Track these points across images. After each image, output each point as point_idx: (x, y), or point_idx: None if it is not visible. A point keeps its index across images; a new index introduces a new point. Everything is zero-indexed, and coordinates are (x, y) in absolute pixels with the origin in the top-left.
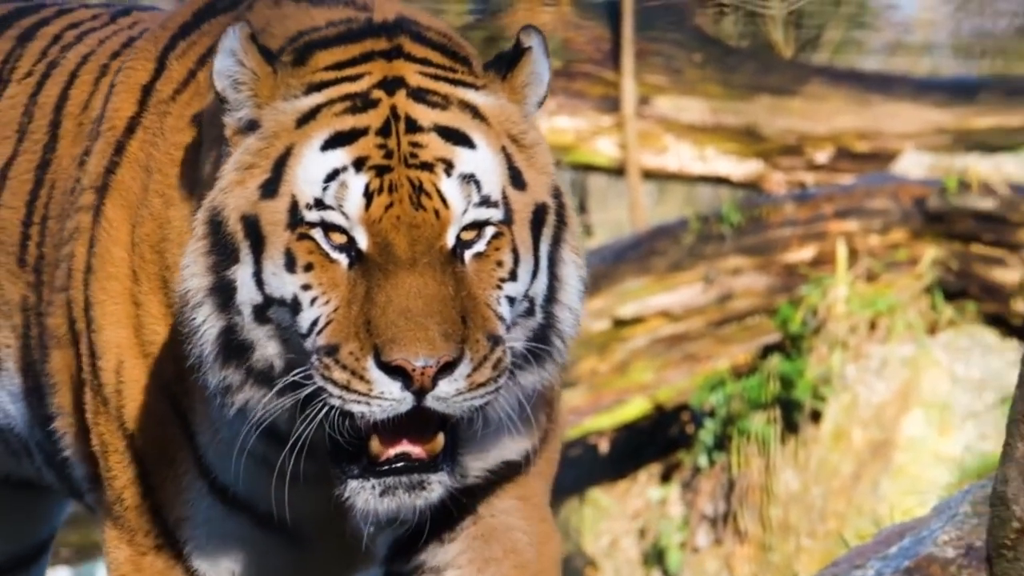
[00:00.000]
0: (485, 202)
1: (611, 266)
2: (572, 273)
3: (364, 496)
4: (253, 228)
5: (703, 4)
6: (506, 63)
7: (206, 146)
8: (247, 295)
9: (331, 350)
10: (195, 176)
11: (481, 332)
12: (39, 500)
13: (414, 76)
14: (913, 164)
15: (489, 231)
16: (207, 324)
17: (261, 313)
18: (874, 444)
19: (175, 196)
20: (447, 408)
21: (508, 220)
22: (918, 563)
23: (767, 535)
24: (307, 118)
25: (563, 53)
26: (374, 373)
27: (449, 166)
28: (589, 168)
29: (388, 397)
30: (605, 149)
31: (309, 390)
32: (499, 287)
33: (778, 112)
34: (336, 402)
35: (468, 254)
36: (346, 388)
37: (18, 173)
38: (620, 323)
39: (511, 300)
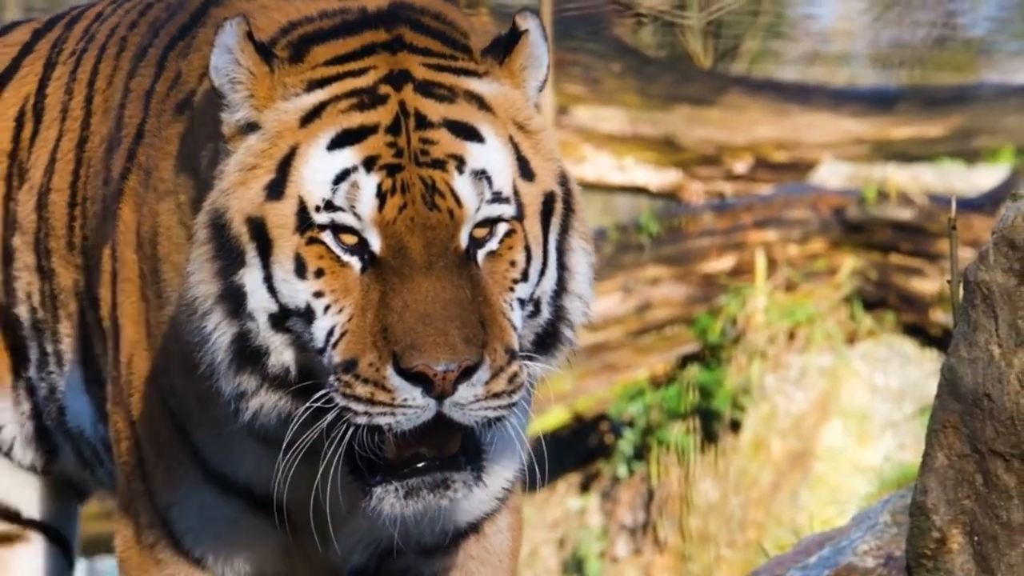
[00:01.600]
0: (497, 198)
1: None
2: (582, 260)
3: (389, 501)
4: (259, 231)
5: (621, 14)
6: (503, 47)
7: (200, 140)
8: (260, 302)
9: (349, 365)
10: (182, 166)
11: (499, 342)
12: None
13: (419, 68)
14: (831, 174)
15: (501, 228)
16: (219, 332)
17: (279, 323)
18: (793, 454)
19: (162, 188)
20: (463, 416)
21: (520, 215)
22: (838, 572)
23: (686, 545)
24: (311, 116)
25: None
26: (395, 380)
27: (461, 163)
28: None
29: (412, 405)
30: None
31: (332, 415)
32: (511, 289)
33: (696, 122)
34: (362, 420)
35: (481, 254)
36: (370, 401)
37: (63, 154)
38: None
39: (522, 303)
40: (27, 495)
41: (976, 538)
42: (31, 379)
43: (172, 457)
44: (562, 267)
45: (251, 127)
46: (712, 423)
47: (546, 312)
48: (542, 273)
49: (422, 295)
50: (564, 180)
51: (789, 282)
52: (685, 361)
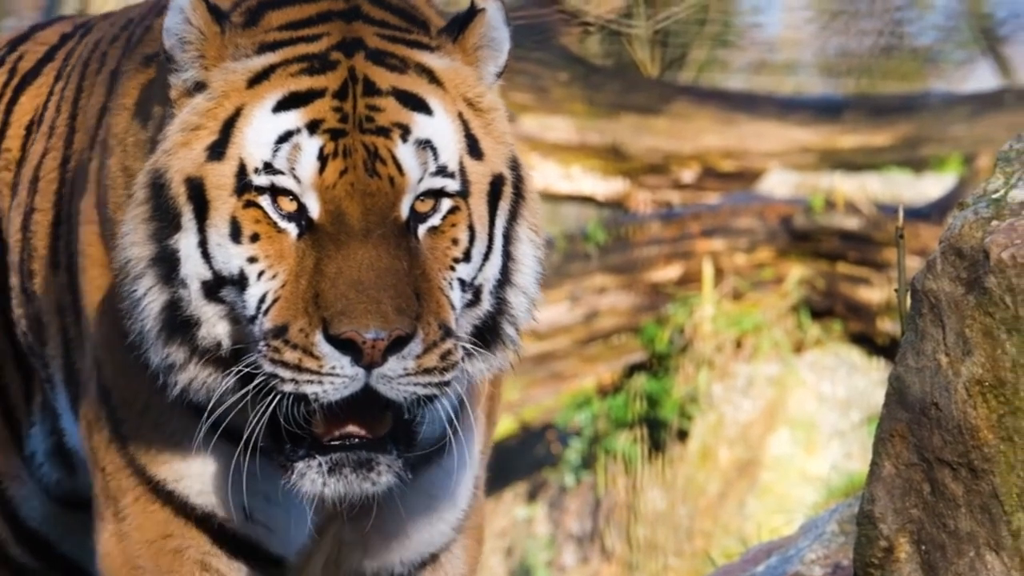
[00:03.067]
0: (442, 171)
1: None
2: (528, 253)
3: (311, 476)
4: (197, 192)
5: (568, 23)
6: (458, 25)
7: (156, 93)
8: (193, 268)
9: (279, 331)
10: (135, 113)
11: (433, 317)
12: None
13: (372, 38)
14: (778, 183)
15: (445, 204)
16: (149, 297)
17: (212, 291)
18: (740, 463)
19: (113, 143)
20: (391, 390)
21: (465, 192)
22: None
23: (634, 554)
24: (259, 78)
25: None
26: (324, 348)
27: (406, 131)
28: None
29: (340, 373)
30: None
31: (258, 380)
32: (452, 268)
33: (643, 131)
34: (289, 387)
35: (422, 228)
36: (297, 368)
37: (46, 172)
38: None
39: (462, 284)
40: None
41: (924, 547)
42: (46, 401)
43: (158, 412)
44: (507, 256)
45: (198, 87)
46: (659, 432)
47: (487, 303)
48: (486, 257)
49: (356, 262)
50: (515, 165)
51: (736, 291)
52: (632, 370)
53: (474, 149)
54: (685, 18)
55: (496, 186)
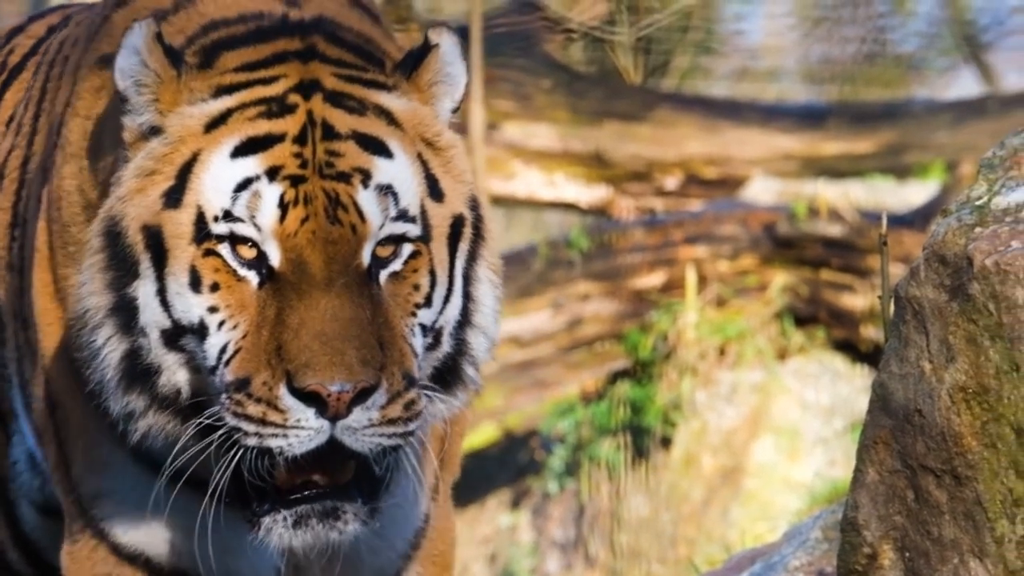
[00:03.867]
0: (403, 216)
1: None
2: (488, 293)
3: (277, 531)
4: (155, 240)
5: (551, 30)
6: (412, 62)
7: (106, 136)
8: (152, 317)
9: (242, 384)
10: (91, 130)
11: (397, 366)
12: None
13: (330, 79)
14: (762, 190)
15: (406, 249)
16: (108, 347)
17: (172, 340)
18: (724, 470)
19: (69, 150)
20: (356, 441)
21: (426, 237)
22: None
23: (617, 561)
24: (216, 123)
25: None
26: (288, 400)
27: (366, 176)
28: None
29: (304, 426)
30: None
31: (221, 432)
32: (414, 314)
33: (626, 138)
34: (252, 441)
35: (384, 274)
36: (262, 422)
37: (9, 171)
38: None
39: (424, 329)
40: None
41: (907, 554)
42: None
43: (92, 438)
44: (467, 297)
45: (154, 131)
46: (643, 439)
47: (447, 345)
48: (446, 300)
49: (320, 313)
50: (475, 204)
51: (720, 298)
52: (616, 377)
53: (434, 191)
54: (668, 25)
55: (456, 227)
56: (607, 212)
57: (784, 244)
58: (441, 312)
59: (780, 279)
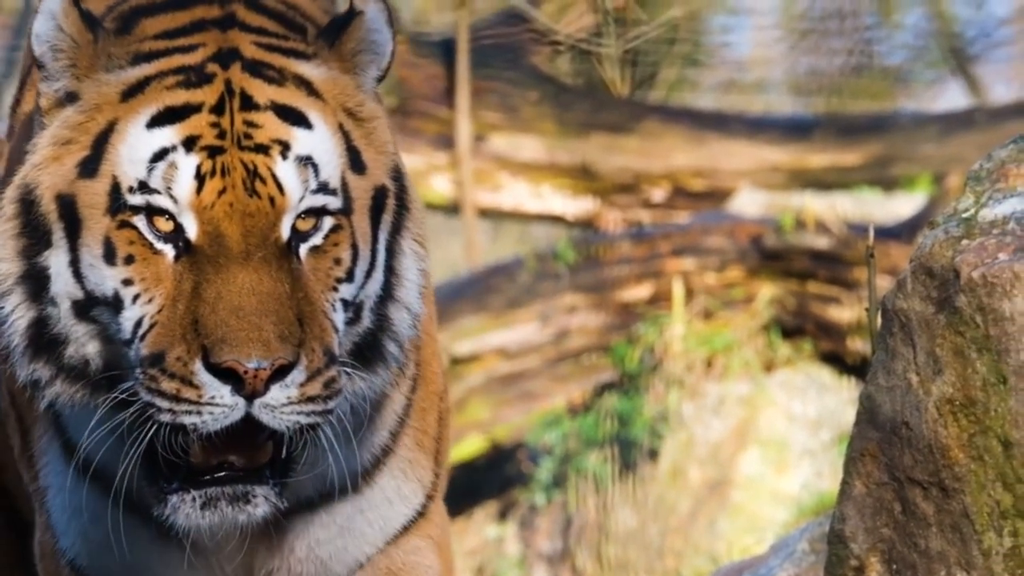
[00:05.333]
0: (323, 188)
1: (447, 304)
2: (411, 267)
3: (184, 511)
4: (69, 209)
5: (538, 42)
6: (335, 29)
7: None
8: (64, 287)
9: (156, 359)
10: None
11: (317, 343)
12: None
13: (249, 47)
14: (749, 202)
15: (327, 223)
16: (16, 314)
17: (83, 311)
18: (711, 482)
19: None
20: (274, 419)
21: (347, 210)
22: None
23: (604, 573)
24: (133, 91)
25: (398, 91)
26: (203, 376)
27: (286, 148)
28: (424, 206)
29: (219, 403)
30: (440, 187)
31: (135, 408)
32: (335, 288)
33: (613, 150)
34: (166, 417)
35: (304, 248)
36: (175, 398)
37: None
38: (456, 361)
39: (345, 304)
40: None
41: (894, 566)
42: None
43: (40, 433)
44: (390, 271)
45: (70, 98)
46: (630, 451)
47: (367, 320)
48: (368, 275)
49: (237, 287)
50: (398, 175)
51: (707, 310)
52: (603, 389)
53: (356, 163)
54: (655, 38)
55: (379, 199)
56: (594, 224)
57: (771, 256)
58: (362, 287)
59: (767, 291)
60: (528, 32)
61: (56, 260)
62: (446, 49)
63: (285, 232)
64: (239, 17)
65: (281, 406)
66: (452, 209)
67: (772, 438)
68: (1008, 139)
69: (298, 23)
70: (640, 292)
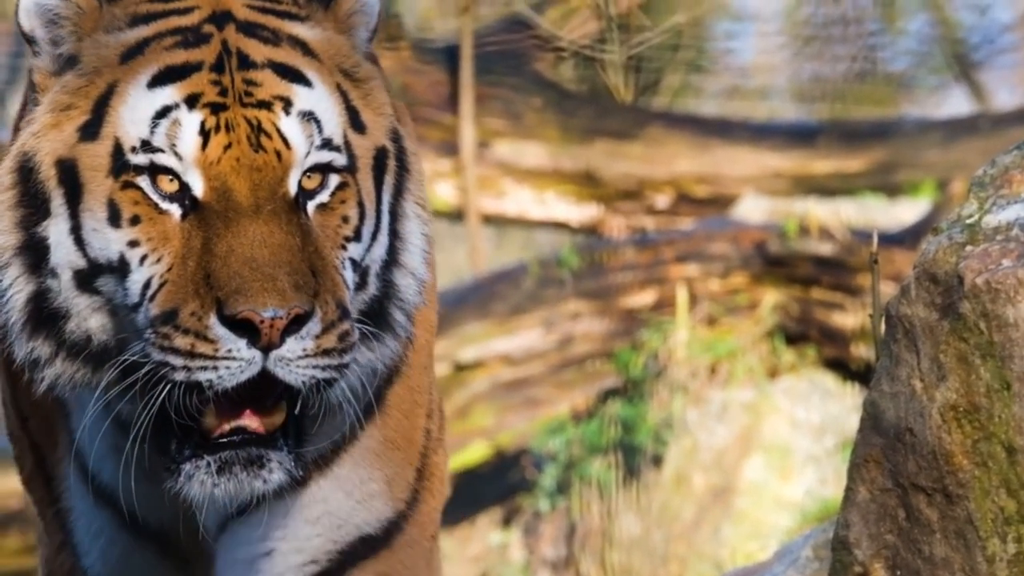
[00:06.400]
0: (327, 144)
1: (451, 311)
2: (415, 230)
3: (199, 478)
4: (70, 174)
5: (542, 49)
6: None
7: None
8: (64, 256)
9: (168, 316)
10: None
11: (330, 295)
12: None
13: (241, 10)
14: (752, 209)
15: (333, 180)
16: (14, 288)
17: (86, 281)
18: (715, 489)
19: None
20: (290, 373)
21: (352, 167)
22: None
23: None
24: (133, 53)
25: (402, 97)
26: (218, 330)
27: (288, 104)
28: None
29: (236, 356)
30: (444, 194)
31: (147, 370)
32: (343, 247)
33: (617, 157)
34: (180, 375)
35: (311, 205)
36: (190, 354)
37: None
38: (460, 367)
39: (353, 264)
40: None
41: (898, 572)
42: None
43: (61, 456)
44: (394, 235)
45: (70, 62)
46: (634, 458)
47: (373, 286)
48: (374, 237)
49: (248, 239)
50: (396, 137)
51: (710, 317)
52: (607, 396)
53: (356, 122)
54: (659, 44)
55: (380, 160)
56: (598, 231)
57: (775, 263)
58: (368, 248)
59: (771, 298)
60: (532, 38)
61: (56, 229)
62: (450, 56)
63: (292, 188)
64: None
65: (297, 359)
66: (456, 216)
67: (776, 444)
68: (1012, 145)
69: None
70: (644, 298)
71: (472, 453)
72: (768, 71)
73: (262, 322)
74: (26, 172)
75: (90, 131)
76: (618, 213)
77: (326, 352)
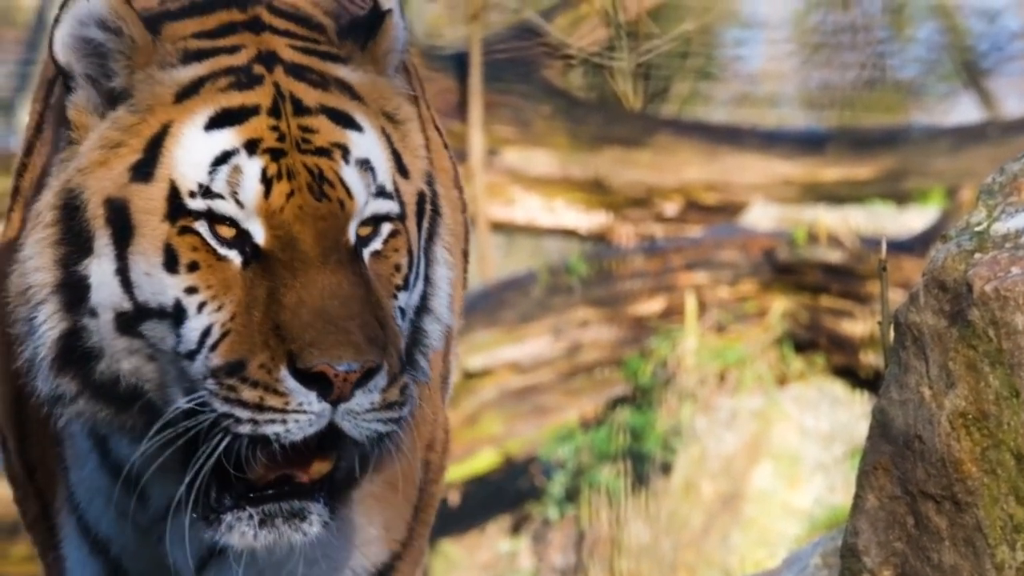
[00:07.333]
0: (381, 192)
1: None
2: (444, 275)
3: (240, 530)
4: (120, 214)
5: (551, 56)
6: (363, 30)
7: (41, 137)
8: (107, 297)
9: (234, 368)
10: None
11: (394, 347)
12: None
13: (286, 51)
14: (761, 216)
15: (385, 228)
16: (47, 325)
17: (128, 324)
18: (724, 496)
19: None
20: (355, 428)
21: (403, 214)
22: None
23: None
24: (188, 92)
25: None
26: (289, 383)
27: (345, 151)
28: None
29: (306, 410)
30: None
31: (204, 420)
32: (395, 296)
33: (626, 164)
34: (246, 428)
35: (366, 253)
36: (258, 407)
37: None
38: (469, 375)
39: (402, 313)
40: None
41: None
42: None
43: (59, 506)
44: (426, 280)
45: (120, 97)
46: (643, 465)
47: (404, 333)
48: (414, 284)
49: (318, 290)
50: (430, 180)
51: (719, 324)
52: (615, 403)
53: (400, 166)
54: (668, 51)
55: (421, 205)
56: (607, 238)
57: (784, 270)
58: (410, 296)
59: (780, 305)
60: (541, 46)
61: (99, 269)
62: (459, 63)
63: (352, 237)
64: (264, 20)
65: (364, 412)
66: None
67: (785, 452)
68: (1021, 152)
69: (315, 22)
70: (653, 306)
71: (481, 461)
72: (777, 78)
73: (336, 376)
74: (70, 210)
75: (143, 171)
76: (627, 221)
77: (389, 405)
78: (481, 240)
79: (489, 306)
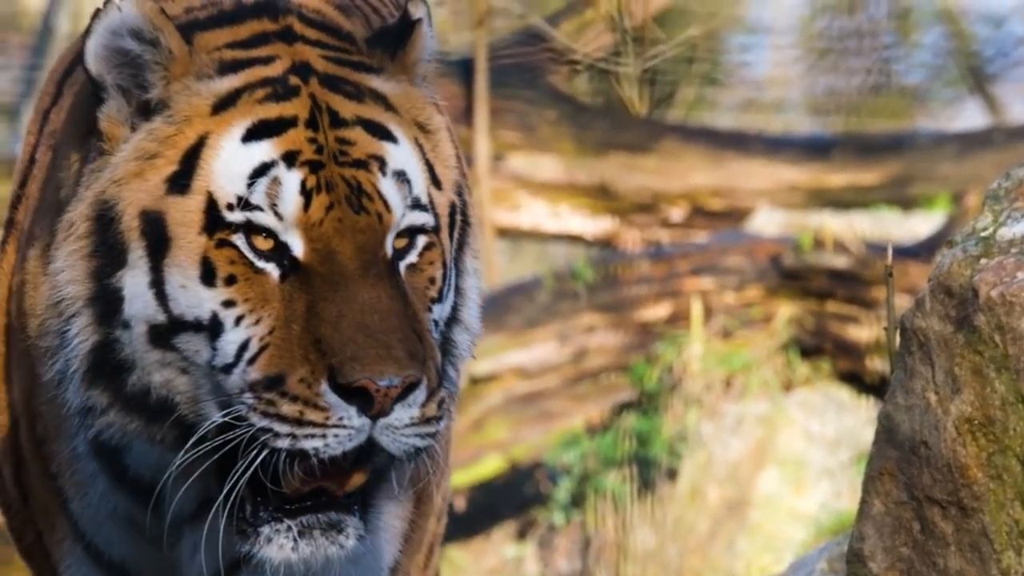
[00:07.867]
0: (416, 204)
1: None
2: (473, 286)
3: (278, 542)
4: (156, 226)
5: (556, 62)
6: (393, 39)
7: (62, 151)
8: (141, 309)
9: (273, 382)
10: (46, 202)
11: (432, 361)
12: None
13: (319, 61)
14: (767, 222)
15: (421, 240)
16: (80, 337)
17: (162, 337)
18: (730, 502)
19: (35, 231)
20: (393, 442)
21: (438, 227)
22: None
23: None
24: (225, 104)
25: None
26: (330, 398)
27: (382, 164)
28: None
29: (347, 425)
30: None
31: (241, 433)
32: (430, 309)
33: (632, 170)
34: (284, 443)
35: (402, 266)
36: (298, 422)
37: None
38: (475, 380)
39: (436, 326)
40: None
41: None
42: None
43: (61, 535)
44: (457, 291)
45: (156, 108)
46: (649, 471)
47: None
48: (447, 296)
49: (359, 304)
50: (460, 190)
51: (725, 330)
52: (621, 409)
53: (434, 177)
54: (673, 57)
55: (453, 216)
56: (612, 244)
57: (790, 276)
58: (443, 308)
59: (785, 311)
60: (546, 51)
61: (132, 281)
62: (464, 68)
63: (389, 249)
64: (296, 30)
65: (403, 427)
66: None
67: (791, 457)
68: None
69: (343, 32)
70: (659, 311)
71: (487, 466)
72: (783, 84)
73: (377, 391)
74: (105, 221)
75: (179, 184)
76: (633, 226)
77: (428, 420)
78: (487, 245)
79: (495, 311)
